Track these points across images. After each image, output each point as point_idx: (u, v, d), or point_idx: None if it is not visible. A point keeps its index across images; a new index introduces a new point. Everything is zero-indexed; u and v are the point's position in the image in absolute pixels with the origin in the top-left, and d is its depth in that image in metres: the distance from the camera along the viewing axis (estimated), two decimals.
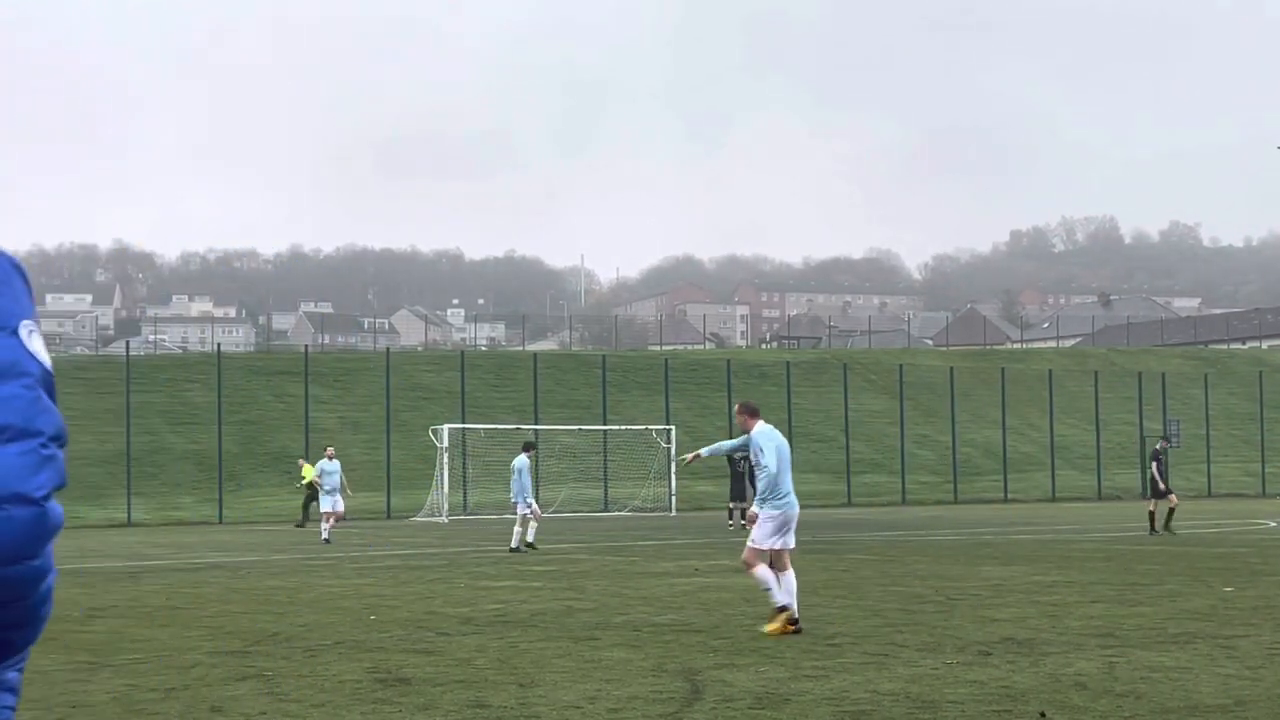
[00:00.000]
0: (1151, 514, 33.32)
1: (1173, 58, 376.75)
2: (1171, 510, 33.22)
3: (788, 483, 14.33)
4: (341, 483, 35.66)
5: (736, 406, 14.90)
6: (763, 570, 14.05)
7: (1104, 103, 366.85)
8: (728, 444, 16.95)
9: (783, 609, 13.91)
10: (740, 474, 37.39)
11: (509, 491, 29.93)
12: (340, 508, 35.25)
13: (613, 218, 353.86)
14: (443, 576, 22.21)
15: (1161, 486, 33.31)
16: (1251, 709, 9.40)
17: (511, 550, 28.13)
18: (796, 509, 14.43)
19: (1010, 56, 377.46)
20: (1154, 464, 34.37)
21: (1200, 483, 69.60)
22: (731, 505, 38.55)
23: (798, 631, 13.69)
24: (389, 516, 50.78)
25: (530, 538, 28.88)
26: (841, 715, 9.36)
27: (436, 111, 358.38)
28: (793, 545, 14.40)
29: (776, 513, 14.17)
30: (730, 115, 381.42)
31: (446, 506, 47.29)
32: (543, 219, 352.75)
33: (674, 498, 52.28)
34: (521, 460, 29.61)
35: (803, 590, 18.77)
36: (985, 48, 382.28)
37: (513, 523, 29.34)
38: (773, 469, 14.11)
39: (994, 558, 25.10)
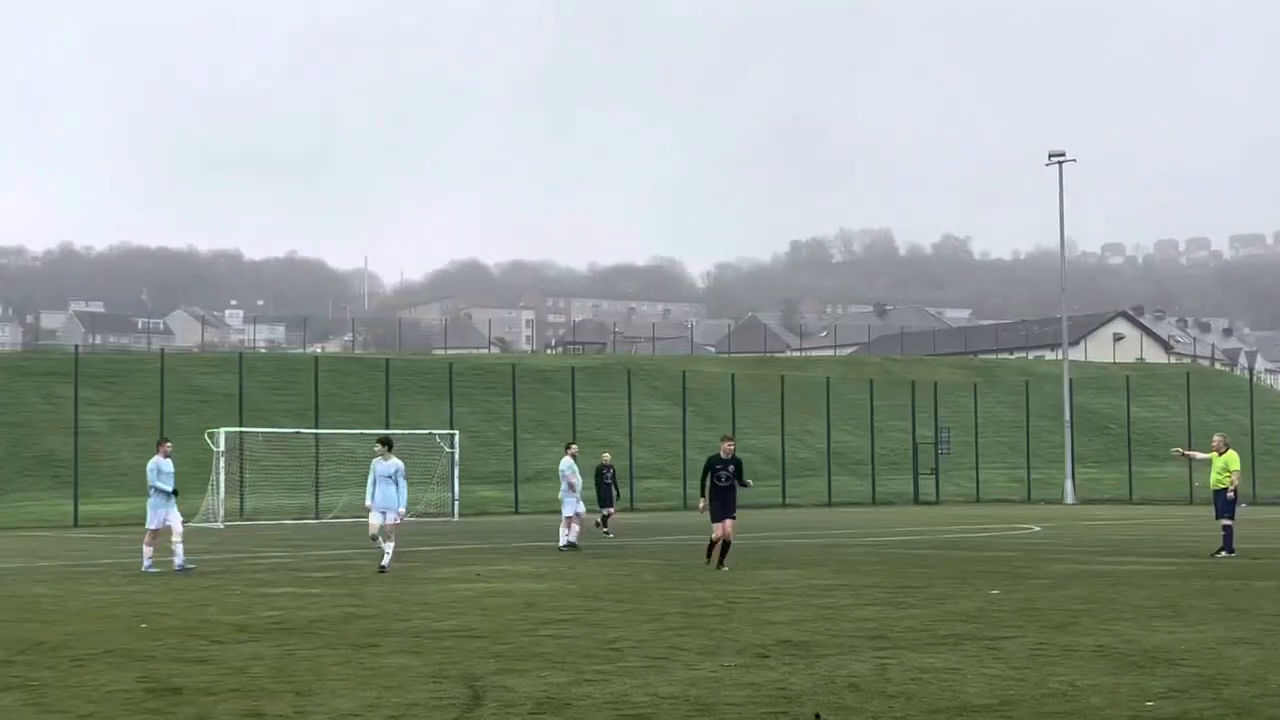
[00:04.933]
0: None
1: (944, 67, 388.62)
2: None
3: None
4: None
5: None
6: None
7: (881, 115, 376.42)
8: None
9: None
10: (608, 484, 35.95)
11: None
12: None
13: (398, 221, 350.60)
14: (218, 583, 21.71)
15: None
16: (1016, 708, 9.74)
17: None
18: None
19: (790, 68, 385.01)
20: None
21: (969, 488, 71.85)
22: (603, 512, 36.75)
23: None
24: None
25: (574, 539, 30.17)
26: (621, 719, 9.42)
27: (218, 107, 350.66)
28: None
29: None
30: (523, 122, 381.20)
31: (223, 512, 46.17)
32: (326, 220, 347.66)
33: (457, 503, 52.00)
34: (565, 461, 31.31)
35: (584, 594, 18.84)
36: (766, 61, 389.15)
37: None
38: None
39: (772, 562, 25.53)
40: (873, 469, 69.68)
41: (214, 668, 12.05)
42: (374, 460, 23.43)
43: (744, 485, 23.40)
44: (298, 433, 54.78)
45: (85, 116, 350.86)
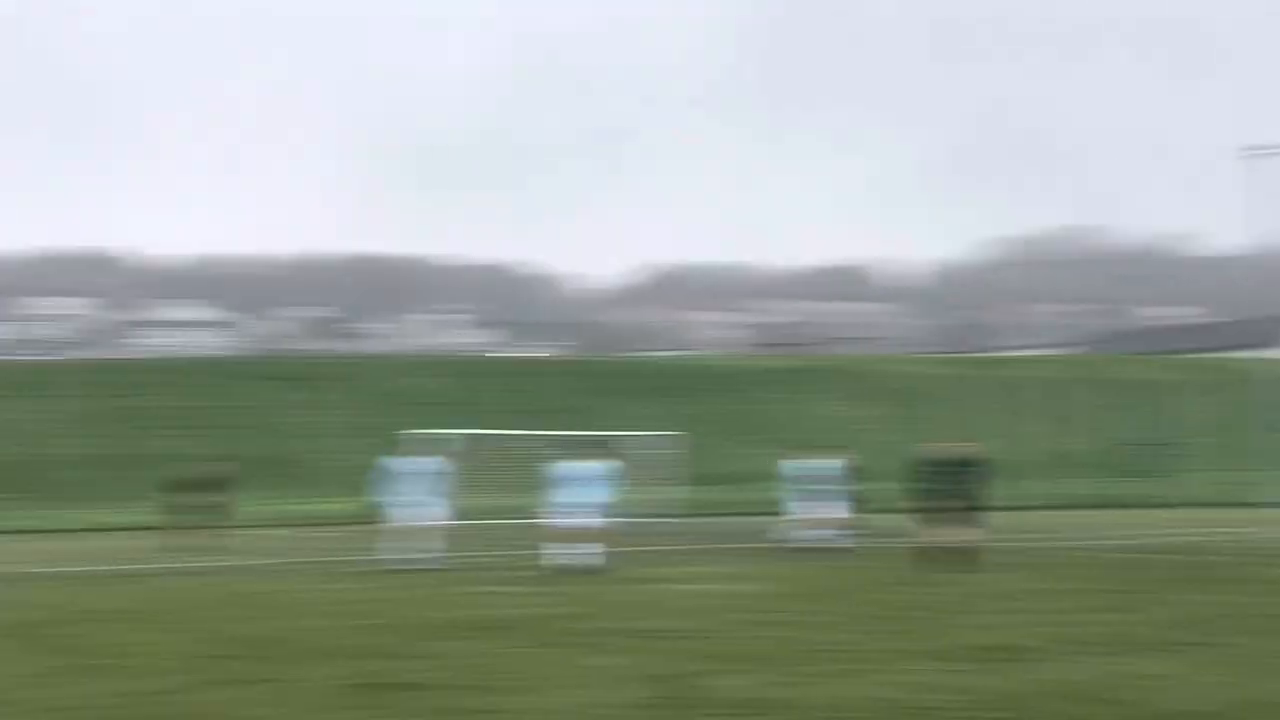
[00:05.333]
0: None
1: (1158, 63, 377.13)
2: None
3: None
4: None
5: None
6: None
7: (1096, 109, 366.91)
8: None
9: None
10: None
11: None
12: None
13: (607, 224, 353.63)
14: (434, 581, 22.13)
15: None
16: (1247, 713, 9.39)
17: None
18: None
19: (1004, 66, 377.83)
20: None
21: (1199, 491, 69.38)
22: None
23: None
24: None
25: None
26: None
27: (441, 120, 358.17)
28: None
29: None
30: (729, 123, 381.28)
31: (444, 512, 46.92)
32: (537, 224, 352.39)
33: (671, 504, 52.09)
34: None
35: (797, 595, 18.70)
36: (978, 60, 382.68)
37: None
38: None
39: (995, 566, 24.96)
40: (1095, 471, 67.84)
41: (426, 664, 12.29)
42: (576, 463, 23.95)
43: (976, 486, 22.90)
44: (514, 435, 55.56)
45: (316, 130, 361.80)
